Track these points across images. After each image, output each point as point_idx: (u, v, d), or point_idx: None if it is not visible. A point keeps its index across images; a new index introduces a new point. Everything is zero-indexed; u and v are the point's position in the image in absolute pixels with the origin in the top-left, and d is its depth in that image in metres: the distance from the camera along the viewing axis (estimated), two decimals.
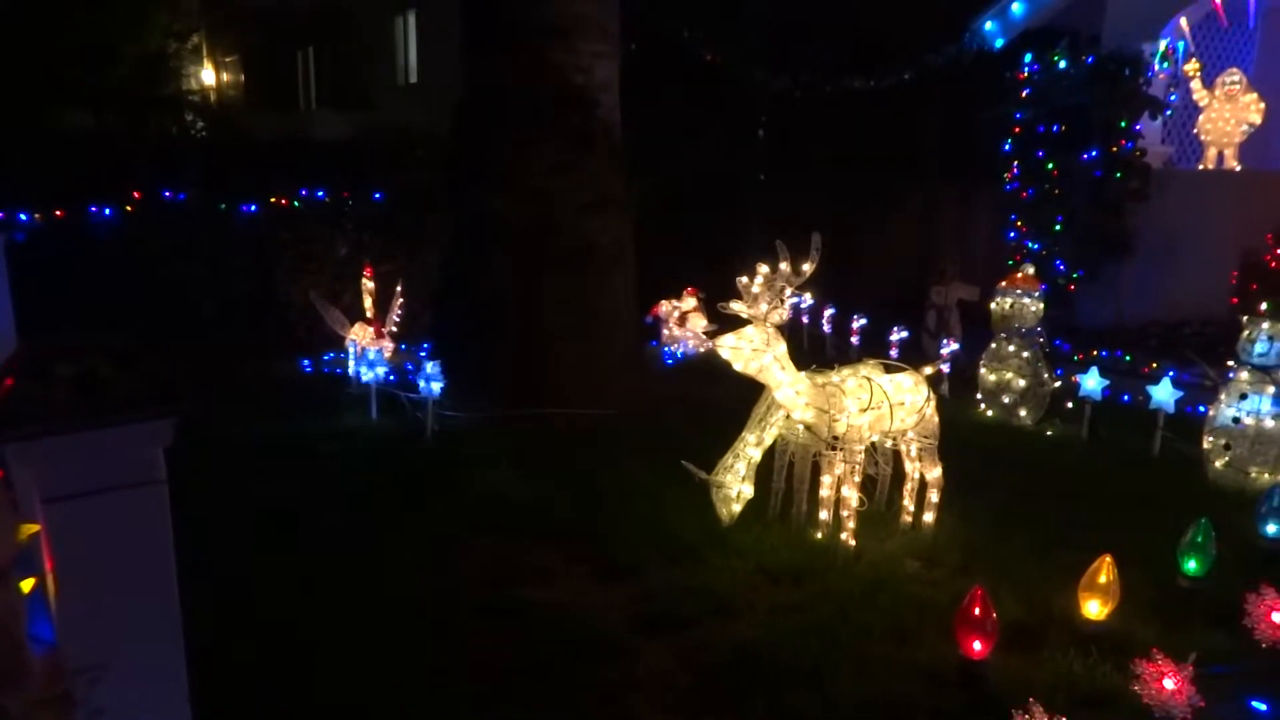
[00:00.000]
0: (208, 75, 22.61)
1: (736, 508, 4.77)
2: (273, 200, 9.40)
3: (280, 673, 3.59)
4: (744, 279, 4.65)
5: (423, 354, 7.94)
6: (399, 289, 8.18)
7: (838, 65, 11.59)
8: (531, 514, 5.13)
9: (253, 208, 9.32)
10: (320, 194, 9.60)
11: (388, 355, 7.76)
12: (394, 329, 8.14)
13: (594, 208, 7.27)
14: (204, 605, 3.03)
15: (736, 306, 4.63)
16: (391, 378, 7.33)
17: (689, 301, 9.74)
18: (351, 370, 7.84)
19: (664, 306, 9.68)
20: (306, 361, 8.64)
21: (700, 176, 11.63)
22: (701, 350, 9.48)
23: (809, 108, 11.84)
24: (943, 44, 11.80)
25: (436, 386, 6.48)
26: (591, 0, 7.23)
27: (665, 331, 9.64)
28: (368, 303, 8.17)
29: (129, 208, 8.79)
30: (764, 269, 4.60)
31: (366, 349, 7.54)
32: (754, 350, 4.55)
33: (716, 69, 11.77)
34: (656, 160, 10.43)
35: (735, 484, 4.72)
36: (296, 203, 9.49)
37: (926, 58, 11.52)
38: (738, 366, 4.61)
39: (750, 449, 4.75)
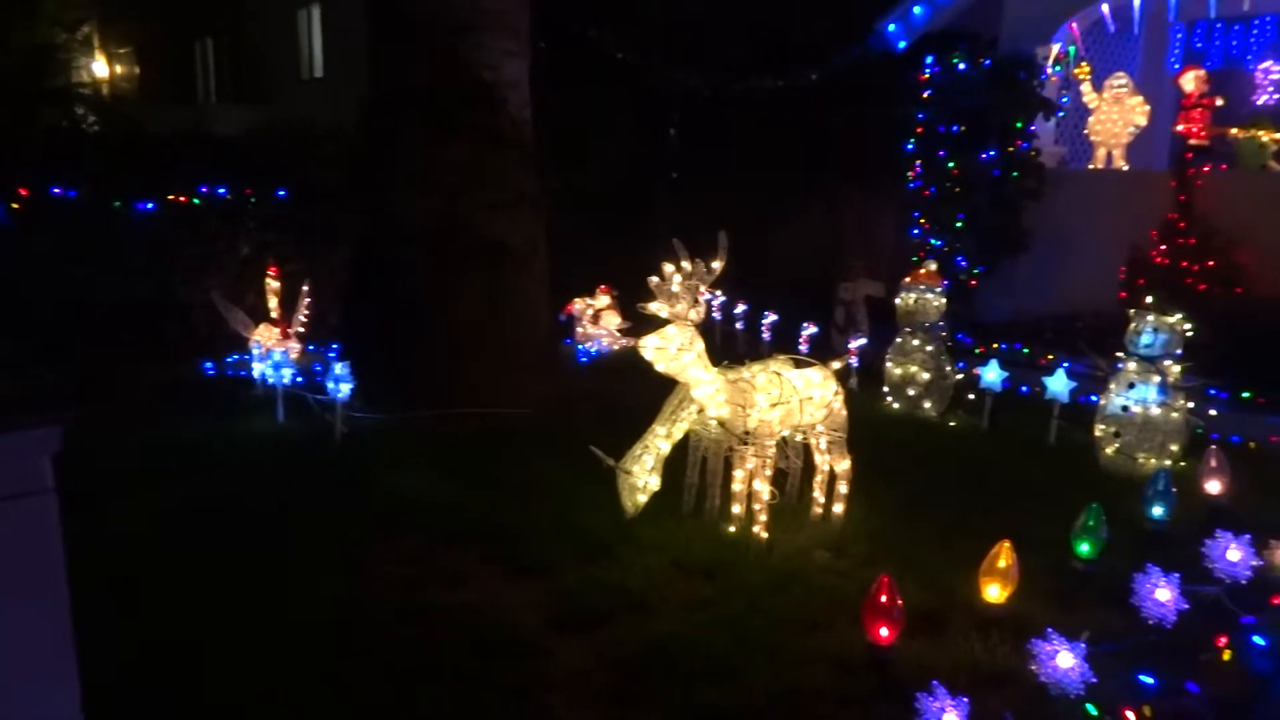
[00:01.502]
0: (100, 68, 21.71)
1: (641, 498, 4.79)
2: (171, 198, 9.08)
3: (177, 684, 3.48)
4: (657, 279, 4.67)
5: (331, 355, 7.78)
6: (305, 288, 7.99)
7: (746, 65, 11.74)
8: (443, 515, 5.07)
9: (150, 205, 8.99)
10: (221, 191, 9.32)
11: (294, 356, 7.58)
12: (301, 329, 7.95)
13: (505, 206, 7.23)
14: (99, 615, 2.92)
15: (655, 307, 4.65)
16: (298, 379, 7.17)
17: (603, 299, 9.76)
18: (256, 373, 7.64)
19: (578, 304, 9.68)
20: (209, 364, 8.39)
21: (612, 175, 11.66)
22: (616, 348, 9.52)
23: (719, 107, 11.96)
24: (847, 45, 12.06)
25: (345, 388, 6.35)
26: None
27: (579, 329, 9.65)
28: (273, 303, 7.97)
29: (15, 205, 8.39)
30: (670, 268, 4.63)
31: (272, 350, 7.36)
32: (678, 349, 4.58)
33: (627, 67, 11.80)
34: (568, 158, 10.42)
35: (642, 474, 4.74)
36: (196, 200, 9.20)
37: (832, 58, 11.75)
38: (660, 367, 4.64)
39: (660, 441, 4.78)
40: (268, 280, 8.00)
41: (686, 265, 4.59)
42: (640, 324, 4.98)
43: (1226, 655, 3.85)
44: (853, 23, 12.25)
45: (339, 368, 6.38)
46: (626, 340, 9.61)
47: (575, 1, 11.47)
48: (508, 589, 4.36)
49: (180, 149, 9.69)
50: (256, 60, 20.90)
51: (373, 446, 6.20)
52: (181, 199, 9.12)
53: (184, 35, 21.72)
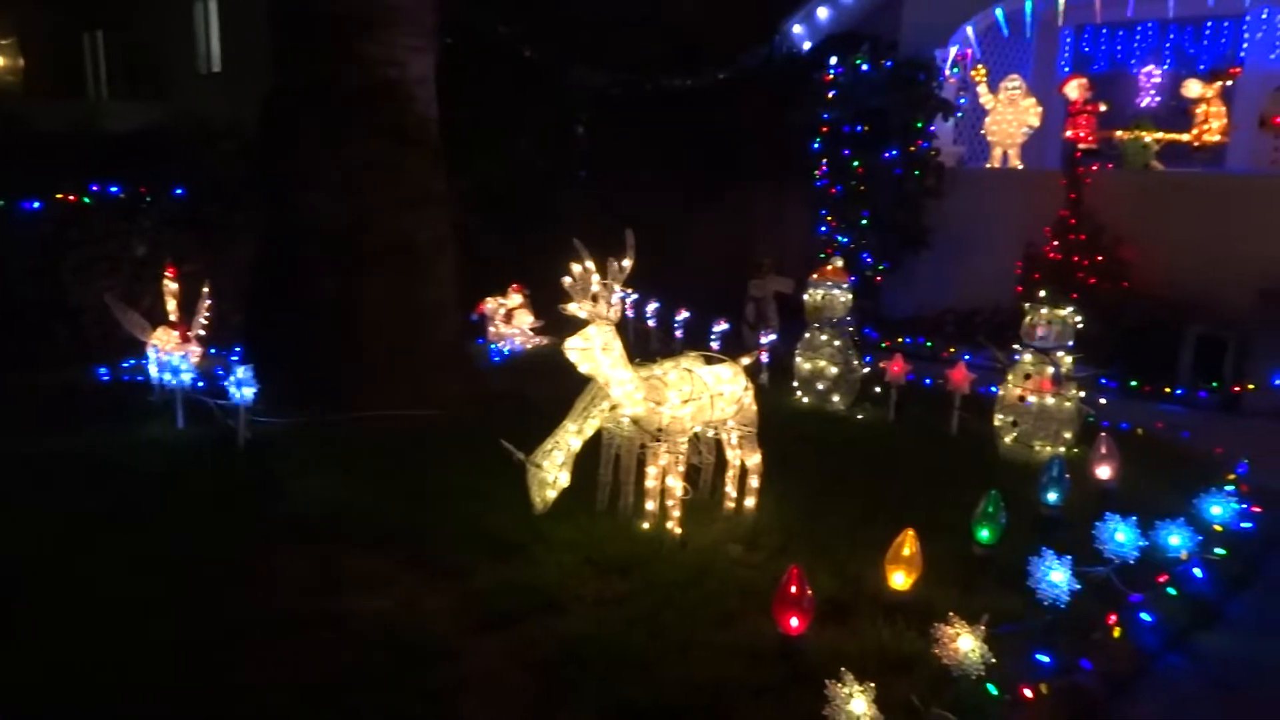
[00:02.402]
0: None
1: (551, 494, 4.78)
2: (59, 196, 8.69)
3: (73, 701, 3.35)
4: (570, 279, 4.66)
5: (233, 358, 7.56)
6: (205, 290, 7.73)
7: (655, 64, 11.81)
8: (353, 520, 4.98)
9: (36, 205, 8.59)
10: (114, 189, 8.96)
11: (194, 360, 7.33)
12: (201, 332, 7.69)
13: (412, 205, 7.14)
14: None
15: (574, 308, 4.64)
16: (199, 384, 6.94)
17: (515, 298, 9.71)
18: (154, 377, 7.36)
19: (490, 304, 9.61)
20: (103, 370, 8.06)
21: (523, 173, 11.59)
22: (529, 347, 9.49)
23: (628, 105, 12.00)
24: (754, 46, 12.23)
25: (248, 392, 6.17)
26: None
27: (491, 329, 9.58)
28: (171, 305, 7.68)
29: None
30: (578, 268, 4.62)
31: (170, 354, 7.10)
32: (603, 349, 4.59)
33: (536, 65, 11.74)
34: (477, 157, 10.32)
35: (552, 470, 4.73)
36: (87, 199, 8.82)
37: (739, 59, 11.90)
38: (584, 368, 4.64)
39: (570, 438, 4.78)
40: (165, 281, 7.71)
41: (589, 265, 4.60)
42: (561, 325, 4.96)
43: (1116, 633, 4.04)
44: (760, 23, 12.44)
45: (241, 371, 6.19)
46: (539, 339, 9.58)
47: None
48: (421, 593, 4.31)
49: (69, 146, 9.29)
50: (150, 54, 20.12)
51: (278, 451, 6.05)
52: (70, 198, 8.74)
53: (71, 27, 20.77)
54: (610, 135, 12.14)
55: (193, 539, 4.77)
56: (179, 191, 9.27)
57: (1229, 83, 10.52)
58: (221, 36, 18.79)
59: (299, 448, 6.10)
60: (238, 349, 7.89)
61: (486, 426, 5.13)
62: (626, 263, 4.71)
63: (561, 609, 4.11)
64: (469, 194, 9.94)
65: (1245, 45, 11.11)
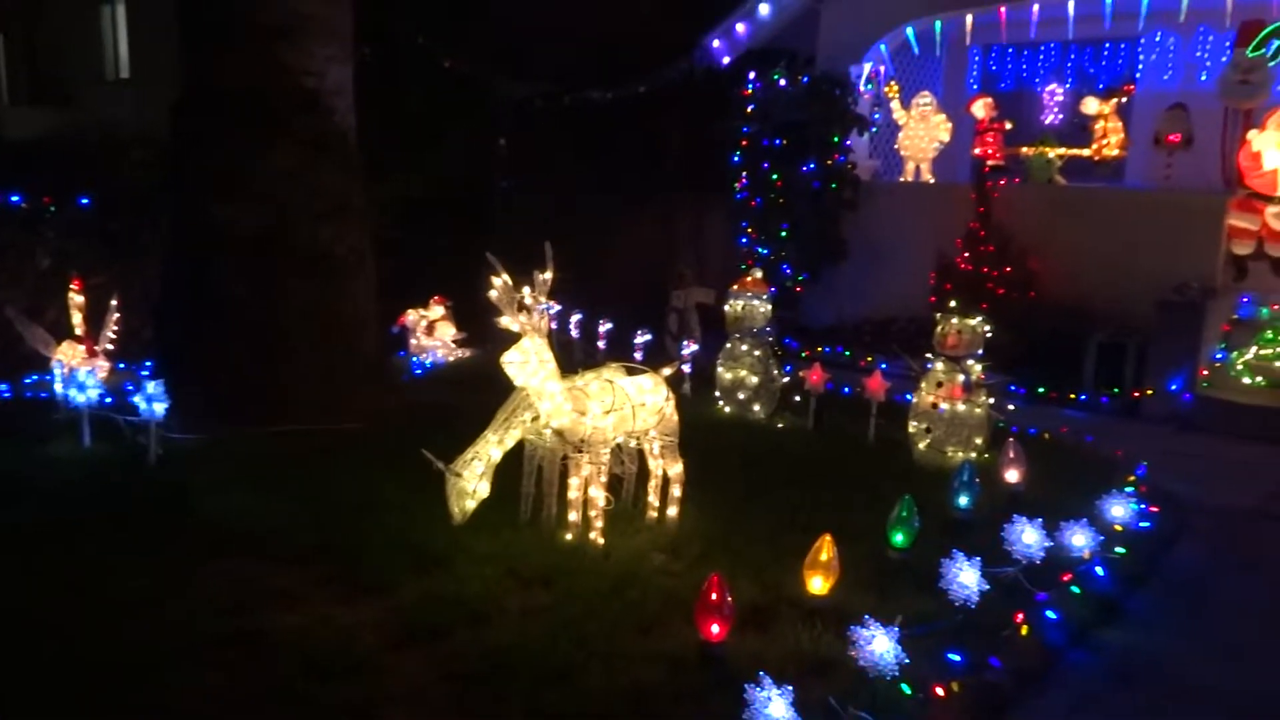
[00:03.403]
0: None
1: (470, 504, 4.75)
2: None
3: None
4: (497, 292, 4.65)
5: (143, 373, 7.34)
6: (114, 303, 7.50)
7: (577, 76, 11.87)
8: (272, 536, 4.89)
9: None
10: (15, 199, 8.63)
11: (102, 375, 7.11)
12: (109, 347, 7.46)
13: (330, 215, 7.04)
14: None
15: (506, 321, 4.64)
16: (107, 400, 6.73)
17: (436, 310, 9.63)
18: (59, 394, 7.10)
19: (411, 315, 9.52)
20: (3, 386, 7.76)
21: (445, 184, 11.52)
22: (452, 359, 9.42)
23: (551, 117, 12.04)
24: (675, 60, 12.38)
25: (159, 407, 6.01)
26: (322, 1, 6.99)
27: (413, 341, 9.49)
28: (77, 318, 7.44)
29: None
30: (499, 282, 4.63)
31: (76, 369, 6.87)
32: (540, 362, 4.59)
33: (458, 76, 11.70)
34: (397, 167, 10.23)
35: (472, 480, 4.72)
36: None
37: (661, 72, 12.04)
38: (519, 380, 4.64)
39: (491, 448, 4.77)
40: (71, 294, 7.46)
41: (505, 279, 4.61)
42: (484, 337, 4.96)
43: (1024, 630, 4.20)
44: (680, 38, 12.60)
45: (152, 386, 6.03)
46: (462, 351, 9.53)
47: (404, 8, 11.29)
48: (343, 608, 4.25)
49: None
50: (55, 59, 19.44)
51: (193, 468, 5.89)
52: None
53: None
54: (533, 146, 12.16)
55: (102, 558, 4.62)
56: (85, 201, 8.97)
57: (1124, 100, 11.03)
58: (130, 42, 18.27)
59: (214, 464, 5.96)
60: (148, 364, 7.66)
61: (407, 439, 5.08)
62: (547, 275, 4.73)
63: (485, 621, 4.10)
64: (390, 205, 9.85)
65: (1140, 66, 11.64)
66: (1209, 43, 11.37)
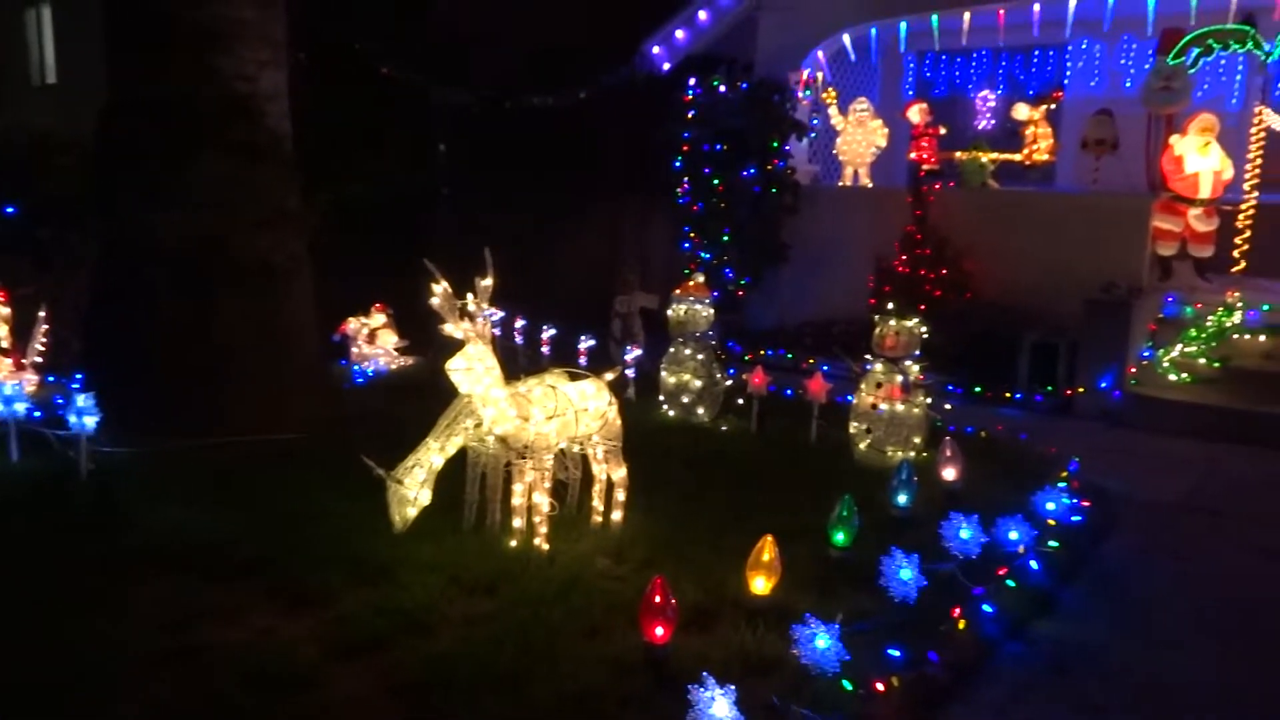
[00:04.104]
0: None
1: (411, 512, 4.73)
2: None
3: None
4: (439, 300, 4.63)
5: (74, 386, 7.15)
6: (42, 314, 7.31)
7: (518, 83, 11.85)
8: (209, 550, 4.79)
9: None
10: None
11: (30, 389, 6.92)
12: (37, 359, 7.27)
13: (266, 224, 6.93)
14: None
15: (450, 328, 4.62)
16: (35, 414, 6.55)
17: (378, 318, 9.54)
18: None
19: (352, 324, 9.41)
20: None
21: (385, 190, 11.41)
22: (394, 367, 9.33)
23: (492, 123, 11.98)
24: (616, 65, 12.42)
25: (91, 421, 5.86)
26: (254, 5, 6.89)
27: (355, 349, 9.38)
28: (3, 331, 7.24)
29: None
30: (439, 289, 4.61)
31: (3, 383, 6.67)
32: (485, 369, 4.57)
33: (396, 82, 11.60)
34: (336, 174, 10.12)
35: (413, 487, 4.69)
36: None
37: (601, 79, 12.07)
38: (465, 387, 4.61)
39: (433, 455, 4.74)
40: None
41: (445, 285, 4.60)
42: (427, 344, 4.93)
43: (961, 625, 4.28)
44: (620, 44, 12.65)
45: (82, 399, 5.88)
46: (405, 359, 9.44)
47: (339, 12, 11.17)
48: (283, 621, 4.19)
49: None
50: None
51: (127, 482, 5.75)
52: None
53: None
54: (474, 152, 12.10)
55: (35, 575, 4.49)
56: (10, 210, 8.73)
57: (1053, 106, 11.34)
58: (57, 47, 17.80)
59: (148, 477, 5.82)
60: (78, 376, 7.47)
61: (348, 448, 5.03)
62: (488, 281, 4.72)
63: (428, 630, 4.07)
64: (329, 212, 9.73)
65: (1069, 73, 11.98)
66: (1133, 51, 11.76)
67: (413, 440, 4.85)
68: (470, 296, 4.64)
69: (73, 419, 5.90)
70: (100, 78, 7.09)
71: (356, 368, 9.18)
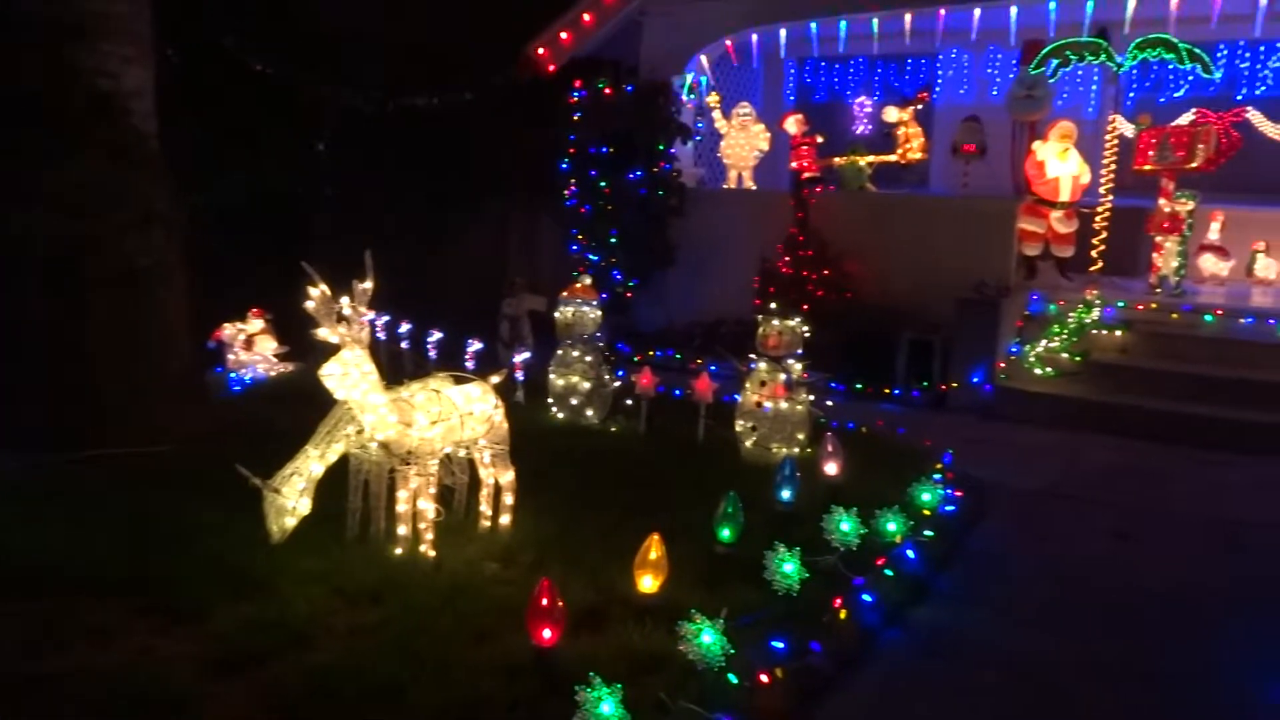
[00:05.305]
0: None
1: (290, 521, 4.60)
2: None
3: None
4: (314, 304, 4.52)
5: None
6: None
7: (400, 83, 11.64)
8: (77, 569, 4.56)
9: None
10: None
11: None
12: None
13: (133, 226, 6.64)
14: None
15: (324, 333, 4.50)
16: None
17: (256, 323, 9.23)
18: None
19: (228, 330, 9.08)
20: None
21: (264, 192, 11.05)
22: (273, 374, 9.05)
23: (376, 124, 11.74)
24: (501, 67, 12.33)
25: None
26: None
27: (231, 356, 9.05)
28: None
29: None
30: (315, 292, 4.51)
31: None
32: (362, 374, 4.47)
33: (274, 80, 11.24)
34: (210, 175, 9.75)
35: (292, 496, 4.57)
36: None
37: (488, 79, 11.96)
38: (340, 393, 4.51)
39: (312, 463, 4.64)
40: None
41: (324, 289, 4.51)
42: (306, 350, 4.80)
43: (843, 614, 4.42)
44: (505, 45, 12.56)
45: None
46: (284, 365, 9.17)
47: (212, 9, 10.77)
48: (158, 640, 4.05)
49: None
50: None
51: None
52: None
53: None
54: (358, 154, 11.83)
55: None
56: None
57: (920, 106, 11.79)
58: None
59: (14, 495, 5.51)
60: None
61: (224, 459, 4.85)
62: (368, 284, 4.64)
63: (309, 643, 3.98)
64: (203, 214, 9.36)
65: (939, 81, 12.48)
66: (999, 60, 12.33)
67: (292, 449, 4.72)
68: (346, 300, 4.55)
69: None
70: None
71: (233, 375, 8.87)
